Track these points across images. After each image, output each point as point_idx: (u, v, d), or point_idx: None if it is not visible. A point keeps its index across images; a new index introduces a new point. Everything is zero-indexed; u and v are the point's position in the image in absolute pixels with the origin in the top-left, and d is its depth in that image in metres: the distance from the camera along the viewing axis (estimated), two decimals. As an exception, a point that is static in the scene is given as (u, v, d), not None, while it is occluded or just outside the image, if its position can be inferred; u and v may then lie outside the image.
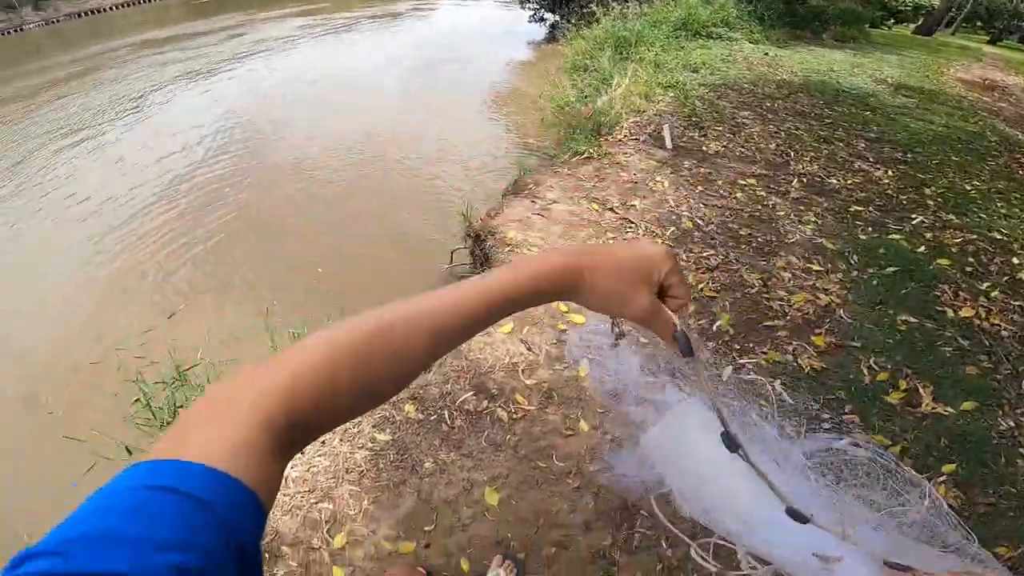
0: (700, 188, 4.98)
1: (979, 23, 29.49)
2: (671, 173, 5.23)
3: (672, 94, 6.42)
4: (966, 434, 2.63)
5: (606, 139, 5.82)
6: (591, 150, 5.64)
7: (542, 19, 20.38)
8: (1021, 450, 2.61)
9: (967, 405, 2.76)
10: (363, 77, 13.50)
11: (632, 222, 4.58)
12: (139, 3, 51.73)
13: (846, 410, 2.75)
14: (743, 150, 5.63)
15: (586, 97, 6.64)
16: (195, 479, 0.33)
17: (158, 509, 0.31)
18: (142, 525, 0.30)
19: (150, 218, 6.88)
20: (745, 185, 4.98)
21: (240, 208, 6.70)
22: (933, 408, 2.74)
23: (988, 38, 26.71)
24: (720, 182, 5.05)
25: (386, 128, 9.07)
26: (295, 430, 0.41)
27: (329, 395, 0.43)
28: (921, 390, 2.84)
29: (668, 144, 5.58)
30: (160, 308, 5.11)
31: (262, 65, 15.30)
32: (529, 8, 20.22)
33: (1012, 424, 2.72)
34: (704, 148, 5.61)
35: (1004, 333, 3.28)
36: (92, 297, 5.52)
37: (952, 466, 2.47)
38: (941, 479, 2.41)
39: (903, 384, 2.88)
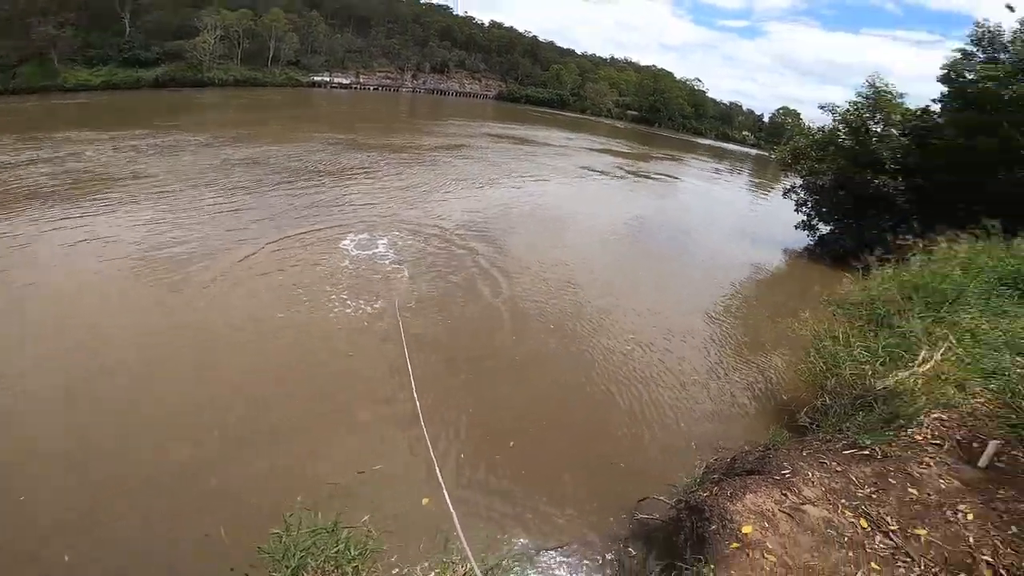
0: (1015, 528, 3.76)
1: None
2: (980, 503, 4.04)
3: (994, 386, 5.05)
4: None
5: (897, 435, 4.57)
6: (876, 447, 4.45)
7: (811, 227, 19.08)
8: None
9: None
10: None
11: (910, 556, 3.55)
12: (468, 96, 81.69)
13: None
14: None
15: (882, 366, 5.33)
16: None
17: None
18: None
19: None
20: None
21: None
22: None
23: None
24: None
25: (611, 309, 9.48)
26: None
27: None
28: None
29: (982, 462, 4.38)
30: None
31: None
32: (802, 213, 18.92)
33: None
34: (1032, 473, 4.45)
35: None
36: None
37: None
38: None
39: None
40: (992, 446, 4.56)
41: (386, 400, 6.44)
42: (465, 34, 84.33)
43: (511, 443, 5.97)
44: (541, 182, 21.66)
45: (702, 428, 6.70)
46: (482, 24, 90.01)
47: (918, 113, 17.30)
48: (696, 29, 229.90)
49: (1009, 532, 3.76)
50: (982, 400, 4.83)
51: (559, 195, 19.84)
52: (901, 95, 17.27)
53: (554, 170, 25.46)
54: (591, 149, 37.96)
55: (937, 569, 3.46)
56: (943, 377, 4.85)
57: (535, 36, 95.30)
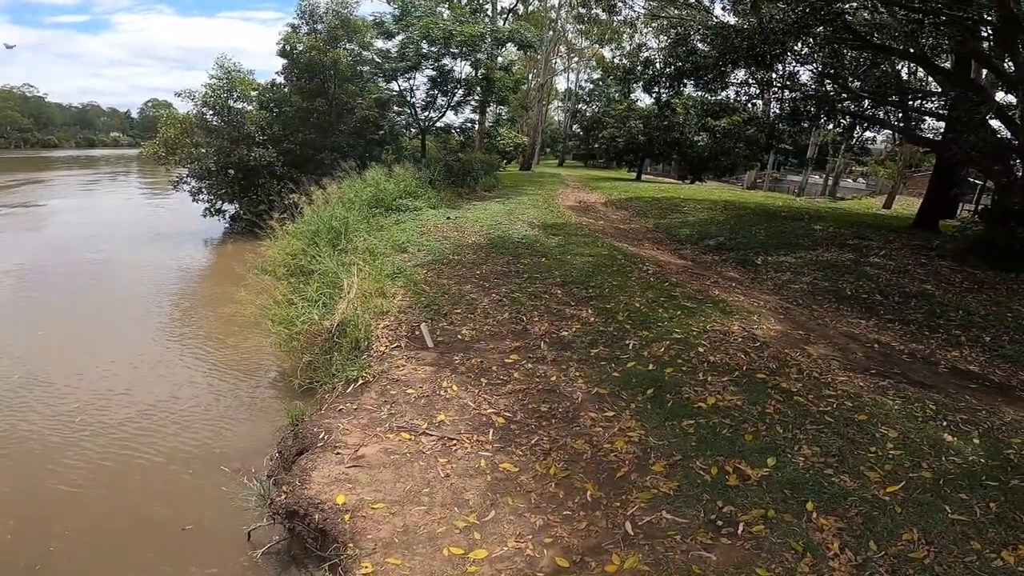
0: (484, 380, 5.07)
1: (548, 149, 47.40)
2: (451, 374, 5.19)
3: (401, 282, 5.96)
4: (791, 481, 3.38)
5: (369, 355, 5.05)
6: (363, 373, 4.90)
7: (220, 211, 17.90)
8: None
9: (771, 461, 3.58)
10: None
11: (453, 438, 4.37)
12: None
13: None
14: (489, 327, 5.99)
15: (325, 307, 5.28)
16: None
17: None
18: None
19: None
20: (512, 363, 5.35)
21: None
22: (760, 473, 3.46)
23: (558, 160, 45.35)
24: (494, 368, 5.29)
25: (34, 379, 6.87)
26: None
27: None
28: (740, 465, 3.59)
29: (430, 344, 5.51)
30: None
31: None
32: (202, 201, 17.48)
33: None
34: (460, 336, 5.73)
35: (739, 402, 4.27)
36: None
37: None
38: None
39: (728, 467, 3.54)
40: (424, 328, 5.64)
41: None
42: None
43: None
44: None
45: (235, 444, 5.73)
46: None
47: (269, 86, 18.76)
48: (17, 29, 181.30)
49: (482, 384, 4.83)
50: (400, 297, 5.93)
51: None
52: (251, 71, 18.24)
53: None
54: None
55: (476, 436, 4.15)
56: (367, 293, 5.60)
57: None
